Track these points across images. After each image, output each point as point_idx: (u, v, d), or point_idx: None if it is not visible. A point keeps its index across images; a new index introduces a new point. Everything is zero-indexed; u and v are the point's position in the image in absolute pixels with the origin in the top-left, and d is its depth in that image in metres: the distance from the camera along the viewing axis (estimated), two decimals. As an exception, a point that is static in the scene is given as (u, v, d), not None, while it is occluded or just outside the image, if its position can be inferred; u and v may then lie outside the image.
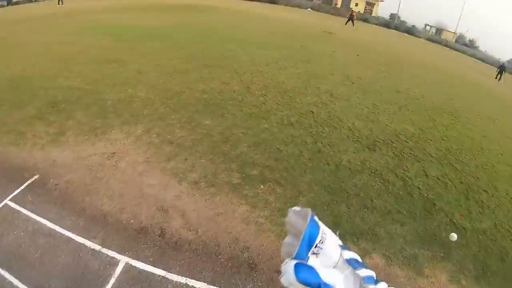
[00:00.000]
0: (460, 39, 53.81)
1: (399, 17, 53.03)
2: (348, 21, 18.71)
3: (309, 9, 43.78)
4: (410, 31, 45.21)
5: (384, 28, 37.22)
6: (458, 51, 40.27)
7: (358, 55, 9.49)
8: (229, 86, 5.39)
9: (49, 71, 5.97)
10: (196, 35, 9.40)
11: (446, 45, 41.57)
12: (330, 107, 5.15)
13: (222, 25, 12.26)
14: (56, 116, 4.33)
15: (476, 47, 53.30)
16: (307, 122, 4.58)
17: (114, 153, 3.61)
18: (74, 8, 21.28)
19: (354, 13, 19.69)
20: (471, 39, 54.47)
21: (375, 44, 14.14)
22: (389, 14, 56.94)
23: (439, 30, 56.54)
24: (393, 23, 46.90)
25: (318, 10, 44.33)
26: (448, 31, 53.15)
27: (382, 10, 51.89)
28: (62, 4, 19.02)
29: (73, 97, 4.77)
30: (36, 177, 3.36)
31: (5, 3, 19.75)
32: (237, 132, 4.12)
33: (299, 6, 44.45)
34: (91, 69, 5.91)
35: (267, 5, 38.50)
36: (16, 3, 21.31)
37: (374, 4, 53.64)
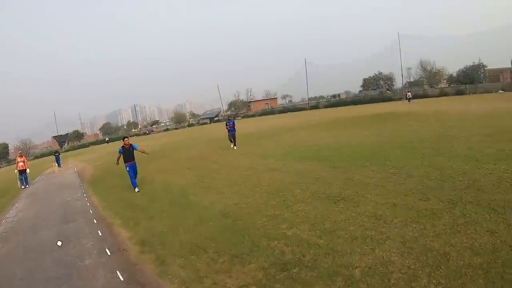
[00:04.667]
0: None
1: None
2: None
3: (500, 90, 40.27)
4: None
5: None
6: None
7: None
8: (500, 239, 3.45)
9: (267, 209, 5.79)
10: (413, 153, 8.02)
11: None
12: None
13: (430, 134, 10.60)
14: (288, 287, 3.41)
15: None
16: None
17: None
18: (267, 126, 25.16)
19: None
20: None
21: None
22: None
23: None
24: None
25: (510, 90, 39.16)
26: None
27: None
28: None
29: (306, 258, 3.88)
30: None
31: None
32: None
33: (487, 90, 40.85)
34: (316, 211, 5.27)
35: (457, 98, 35.82)
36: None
37: None
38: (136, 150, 9.58)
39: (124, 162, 9.44)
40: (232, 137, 14.67)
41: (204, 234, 5.23)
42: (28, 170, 15.78)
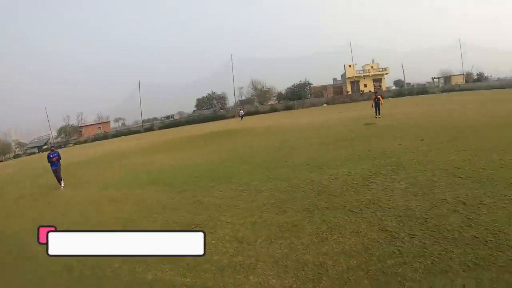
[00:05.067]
0: (469, 78, 56.11)
1: (405, 82, 56.84)
2: (376, 110, 16.63)
3: (325, 104, 48.42)
4: (425, 90, 47.89)
5: (401, 98, 38.65)
6: (473, 89, 41.82)
7: (422, 140, 8.51)
8: (366, 237, 3.65)
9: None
10: (256, 168, 8.16)
11: (460, 90, 44.10)
12: None
13: (267, 148, 11.43)
14: None
15: (486, 78, 55.42)
16: None
17: None
18: (102, 152, 21.35)
19: (379, 96, 17.18)
20: (479, 73, 57.47)
21: (428, 117, 13.70)
22: (393, 82, 61.35)
23: (447, 78, 59.49)
24: (405, 90, 50.97)
25: (333, 103, 48.68)
26: (456, 75, 56.34)
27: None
28: None
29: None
30: None
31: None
32: None
33: (313, 105, 48.40)
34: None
35: (287, 112, 41.11)
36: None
37: (381, 78, 57.93)
38: None
39: None
40: (56, 172, 10.49)
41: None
42: None
